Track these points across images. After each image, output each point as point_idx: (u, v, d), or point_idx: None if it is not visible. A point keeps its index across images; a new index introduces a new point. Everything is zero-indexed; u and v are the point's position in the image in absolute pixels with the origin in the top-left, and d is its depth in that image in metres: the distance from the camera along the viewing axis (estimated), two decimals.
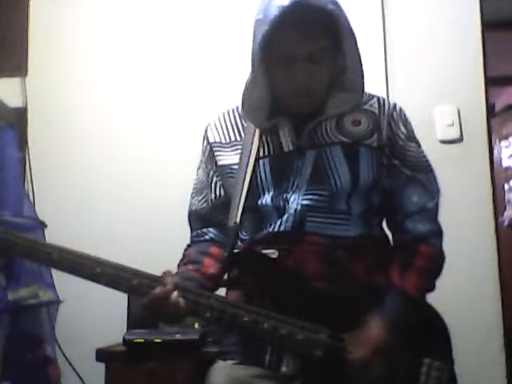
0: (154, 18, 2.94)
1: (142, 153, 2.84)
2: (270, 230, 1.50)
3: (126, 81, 2.92)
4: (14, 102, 2.83)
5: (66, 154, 2.87)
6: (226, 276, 1.60)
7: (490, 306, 2.58)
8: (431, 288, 1.53)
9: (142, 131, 2.87)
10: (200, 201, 1.64)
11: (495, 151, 4.12)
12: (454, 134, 2.69)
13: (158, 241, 2.67)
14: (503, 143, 4.48)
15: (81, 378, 2.62)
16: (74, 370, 2.62)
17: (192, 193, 1.68)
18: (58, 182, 2.84)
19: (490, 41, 2.79)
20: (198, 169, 1.69)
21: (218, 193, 1.62)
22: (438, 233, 1.56)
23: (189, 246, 1.63)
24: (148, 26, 2.94)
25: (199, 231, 1.63)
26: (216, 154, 1.63)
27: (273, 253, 1.48)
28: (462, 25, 2.77)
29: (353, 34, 1.49)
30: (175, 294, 1.39)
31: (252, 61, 1.50)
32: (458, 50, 2.75)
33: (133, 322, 2.34)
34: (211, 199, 1.63)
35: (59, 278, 2.55)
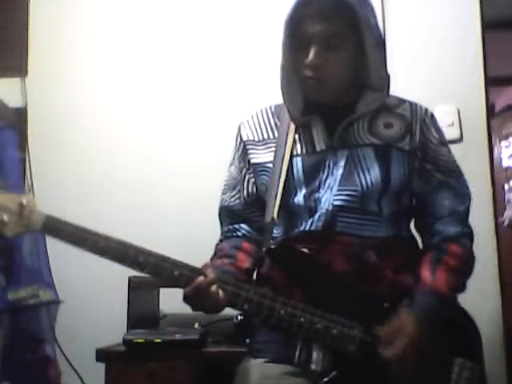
0: (157, 14, 2.94)
1: (143, 153, 2.84)
2: (301, 228, 1.53)
3: (126, 81, 2.91)
4: (14, 101, 2.83)
5: (66, 153, 2.87)
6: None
7: (490, 305, 2.58)
8: (462, 288, 1.55)
9: (143, 131, 2.87)
10: (232, 197, 1.67)
11: (495, 151, 4.12)
12: (454, 133, 2.69)
13: (159, 241, 2.66)
14: (503, 143, 4.48)
15: (81, 378, 2.61)
16: (74, 370, 2.61)
17: (223, 189, 1.70)
18: (57, 182, 2.84)
19: (490, 41, 2.79)
20: (231, 165, 1.70)
21: (250, 190, 1.65)
22: (469, 234, 1.59)
23: (221, 240, 1.66)
24: (150, 23, 2.94)
25: (231, 227, 1.65)
26: (249, 151, 1.65)
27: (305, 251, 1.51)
28: (462, 25, 2.77)
29: (373, 33, 1.53)
30: (215, 285, 1.42)
31: (282, 48, 1.55)
32: (458, 50, 2.75)
33: (133, 321, 2.34)
34: (244, 196, 1.65)
35: (59, 278, 2.55)
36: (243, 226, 1.64)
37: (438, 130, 1.63)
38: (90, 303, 2.67)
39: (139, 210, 2.77)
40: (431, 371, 1.47)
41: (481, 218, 2.61)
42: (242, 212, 1.65)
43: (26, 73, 2.93)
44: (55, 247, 2.33)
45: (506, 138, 4.46)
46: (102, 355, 2.20)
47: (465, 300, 1.56)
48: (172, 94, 2.88)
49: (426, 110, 1.64)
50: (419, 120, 1.60)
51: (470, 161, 2.66)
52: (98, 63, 2.94)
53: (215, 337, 2.29)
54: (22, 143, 2.81)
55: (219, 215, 1.70)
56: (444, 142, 1.63)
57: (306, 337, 1.46)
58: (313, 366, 1.47)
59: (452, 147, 1.68)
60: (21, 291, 2.38)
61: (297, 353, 1.49)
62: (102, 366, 2.18)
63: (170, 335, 2.19)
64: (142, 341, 2.17)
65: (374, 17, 1.56)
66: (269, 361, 1.51)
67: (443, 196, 1.58)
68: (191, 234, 2.60)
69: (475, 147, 2.69)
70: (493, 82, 2.96)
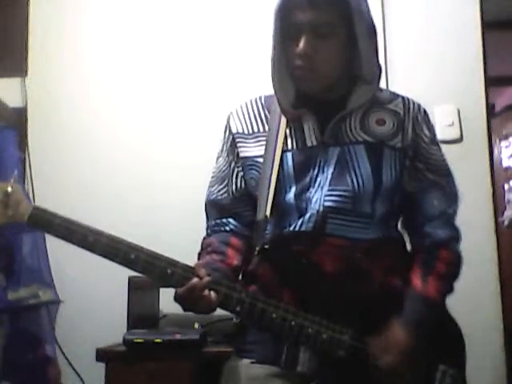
0: (157, 13, 2.94)
1: (143, 152, 2.84)
2: (291, 228, 1.49)
3: (126, 80, 2.92)
4: (14, 102, 2.83)
5: (65, 154, 2.87)
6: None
7: (490, 305, 2.59)
8: (450, 291, 1.55)
9: (143, 131, 2.87)
10: (220, 190, 1.62)
11: (495, 151, 4.12)
12: (454, 133, 2.69)
13: (160, 242, 2.66)
14: (503, 143, 4.48)
15: (81, 378, 2.62)
16: (74, 370, 2.62)
17: (211, 181, 1.65)
18: (58, 181, 2.84)
19: (490, 41, 2.79)
20: (218, 157, 1.66)
21: (239, 184, 1.60)
22: (457, 237, 1.58)
23: (208, 235, 1.62)
24: (150, 23, 2.94)
25: (218, 221, 1.61)
26: (238, 145, 1.60)
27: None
28: (461, 25, 2.77)
29: (365, 22, 1.50)
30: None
31: (272, 38, 1.52)
32: (458, 50, 2.75)
33: (133, 321, 2.34)
34: (232, 190, 1.61)
35: (59, 278, 2.55)
36: (231, 220, 1.60)
37: (430, 128, 1.59)
38: (90, 303, 2.67)
39: (140, 210, 2.77)
40: (417, 378, 1.46)
41: (481, 218, 2.62)
42: (229, 206, 1.60)
43: (26, 73, 2.94)
44: (55, 247, 2.33)
45: (506, 137, 4.47)
46: (102, 355, 2.20)
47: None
48: (172, 94, 2.88)
49: (419, 106, 1.60)
50: (412, 117, 1.56)
51: (470, 161, 2.67)
52: (98, 63, 2.94)
53: (215, 337, 2.29)
54: (22, 143, 2.81)
55: (205, 208, 1.65)
56: (435, 141, 1.60)
57: (297, 340, 1.44)
58: (299, 368, 1.45)
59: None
60: (21, 291, 2.38)
61: (284, 354, 1.46)
62: (102, 366, 2.19)
63: (170, 335, 2.19)
64: (142, 341, 2.17)
65: (366, 5, 1.53)
66: (255, 361, 1.49)
67: (433, 196, 1.55)
68: (192, 234, 2.59)
69: (475, 147, 2.69)
70: (493, 82, 2.96)
